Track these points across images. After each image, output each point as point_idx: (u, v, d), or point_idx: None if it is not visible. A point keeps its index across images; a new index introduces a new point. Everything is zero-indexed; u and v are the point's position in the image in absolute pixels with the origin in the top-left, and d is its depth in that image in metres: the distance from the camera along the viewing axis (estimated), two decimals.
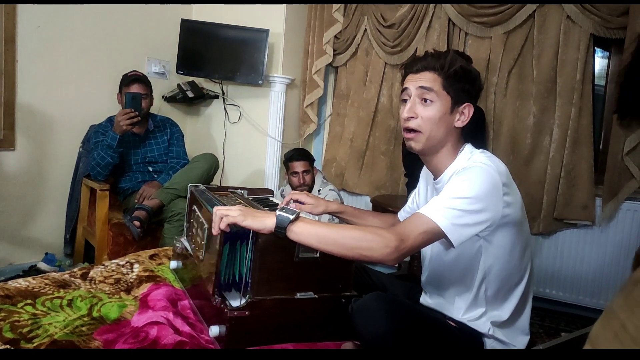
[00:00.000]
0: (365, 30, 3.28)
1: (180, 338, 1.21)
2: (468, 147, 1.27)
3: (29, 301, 1.37)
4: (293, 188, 2.90)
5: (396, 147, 3.23)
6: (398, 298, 1.26)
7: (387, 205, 2.65)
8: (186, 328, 1.30)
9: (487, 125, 2.81)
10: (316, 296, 1.31)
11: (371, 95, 3.29)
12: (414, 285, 1.53)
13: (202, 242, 1.37)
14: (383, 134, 3.28)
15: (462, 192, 1.10)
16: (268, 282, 1.25)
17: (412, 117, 1.22)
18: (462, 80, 1.22)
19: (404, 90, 1.26)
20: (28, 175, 2.68)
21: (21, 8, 2.54)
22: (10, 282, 1.48)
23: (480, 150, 1.26)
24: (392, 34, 3.14)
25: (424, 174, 1.46)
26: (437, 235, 1.10)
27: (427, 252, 1.35)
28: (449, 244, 1.11)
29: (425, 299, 1.39)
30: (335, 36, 3.34)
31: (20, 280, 1.51)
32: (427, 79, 1.21)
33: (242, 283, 1.24)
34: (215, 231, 1.15)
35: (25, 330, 1.22)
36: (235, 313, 1.21)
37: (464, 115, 1.23)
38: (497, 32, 2.80)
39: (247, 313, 1.22)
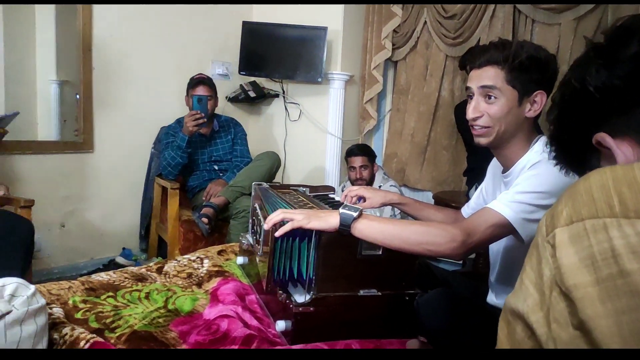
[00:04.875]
0: (425, 22, 3.22)
1: (249, 331, 1.26)
2: (542, 139, 1.21)
3: (110, 294, 1.48)
4: (351, 182, 2.93)
5: (458, 141, 3.15)
6: (464, 295, 1.24)
7: (450, 201, 2.61)
8: (254, 322, 1.35)
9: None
10: (379, 293, 1.32)
11: (432, 90, 3.23)
12: (479, 285, 1.50)
13: (260, 239, 1.42)
14: (445, 128, 3.22)
15: (534, 187, 1.07)
16: (331, 279, 1.28)
17: (478, 117, 1.19)
18: (529, 71, 1.15)
19: (467, 88, 1.24)
20: (106, 175, 2.87)
21: (96, 18, 2.71)
22: (93, 276, 1.61)
23: None
24: (453, 25, 3.06)
25: (492, 168, 1.42)
26: (506, 229, 1.07)
27: (496, 249, 1.31)
28: (518, 240, 1.08)
29: (492, 299, 1.35)
30: (394, 30, 3.31)
31: (102, 274, 1.63)
32: (489, 75, 1.17)
33: (306, 280, 1.27)
34: (267, 226, 1.18)
35: (108, 320, 1.32)
36: (300, 309, 1.24)
37: (536, 104, 1.17)
38: (566, 18, 2.65)
39: (311, 309, 1.25)
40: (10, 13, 2.58)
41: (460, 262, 2.97)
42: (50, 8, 2.72)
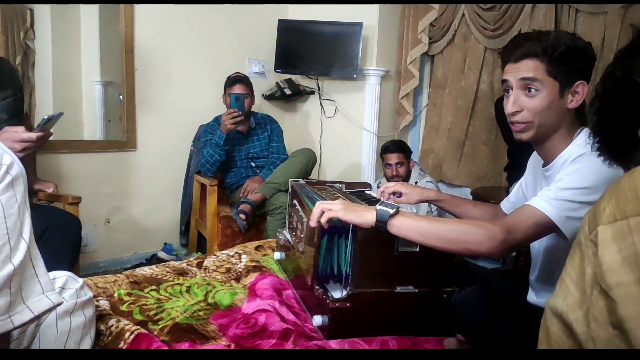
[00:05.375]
0: (463, 14, 3.15)
1: (286, 326, 1.28)
2: (585, 132, 1.16)
3: (153, 287, 1.53)
4: (387, 179, 2.91)
5: (498, 136, 3.08)
6: (502, 293, 1.22)
7: (489, 197, 2.55)
8: (291, 317, 1.36)
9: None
10: (416, 290, 1.31)
11: (470, 83, 3.16)
12: (519, 283, 1.46)
13: (302, 235, 1.43)
14: (484, 122, 3.15)
15: (577, 182, 1.03)
16: (368, 275, 1.28)
17: (517, 112, 1.14)
18: (570, 61, 1.11)
19: (504, 82, 1.19)
20: (148, 173, 2.96)
21: (138, 20, 2.79)
22: (137, 270, 1.67)
23: None
24: (492, 16, 2.99)
25: (532, 161, 1.38)
26: (548, 228, 1.04)
27: (537, 248, 1.28)
28: (561, 238, 1.05)
29: (532, 297, 1.32)
30: (430, 24, 3.26)
31: (145, 268, 1.69)
32: (529, 67, 1.12)
33: (343, 275, 1.28)
34: (313, 223, 1.19)
35: (151, 313, 1.36)
36: (336, 304, 1.25)
37: (578, 94, 1.12)
38: (613, 6, 2.54)
39: (348, 305, 1.26)
40: (57, 16, 2.69)
41: (500, 260, 2.91)
42: (94, 10, 2.82)
